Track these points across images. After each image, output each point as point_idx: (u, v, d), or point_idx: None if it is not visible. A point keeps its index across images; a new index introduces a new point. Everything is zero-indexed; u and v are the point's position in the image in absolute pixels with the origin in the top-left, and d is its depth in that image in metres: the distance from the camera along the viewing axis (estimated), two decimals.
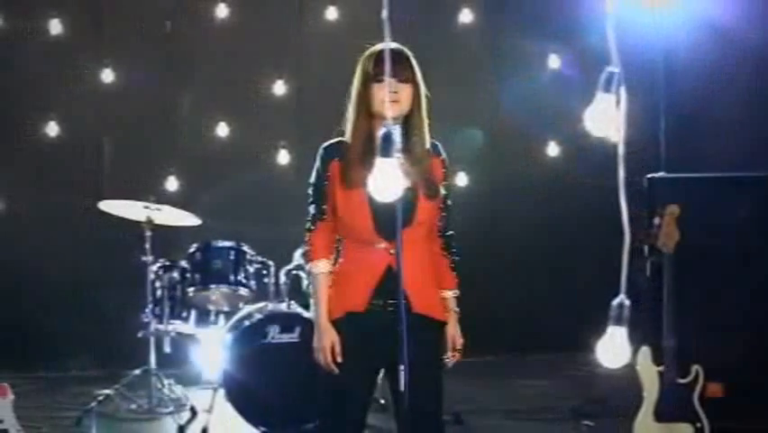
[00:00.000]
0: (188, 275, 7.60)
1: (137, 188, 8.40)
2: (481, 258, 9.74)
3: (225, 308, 7.68)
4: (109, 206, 7.78)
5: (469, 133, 9.60)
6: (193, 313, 7.73)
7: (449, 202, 4.50)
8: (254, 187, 9.13)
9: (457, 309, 4.55)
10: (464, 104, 9.91)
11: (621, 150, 2.41)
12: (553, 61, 9.79)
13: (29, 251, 9.13)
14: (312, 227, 4.41)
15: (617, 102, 2.43)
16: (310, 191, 4.42)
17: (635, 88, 9.60)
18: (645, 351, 6.17)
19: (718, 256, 6.67)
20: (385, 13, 2.54)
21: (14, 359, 9.07)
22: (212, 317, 7.74)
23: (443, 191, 4.43)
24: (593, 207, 9.63)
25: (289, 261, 7.36)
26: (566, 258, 9.83)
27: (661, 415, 6.07)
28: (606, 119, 2.43)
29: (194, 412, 7.57)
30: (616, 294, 7.60)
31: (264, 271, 7.55)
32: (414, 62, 4.34)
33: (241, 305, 7.56)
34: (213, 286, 7.53)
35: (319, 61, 9.45)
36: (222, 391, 7.04)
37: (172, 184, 9.27)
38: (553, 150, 9.93)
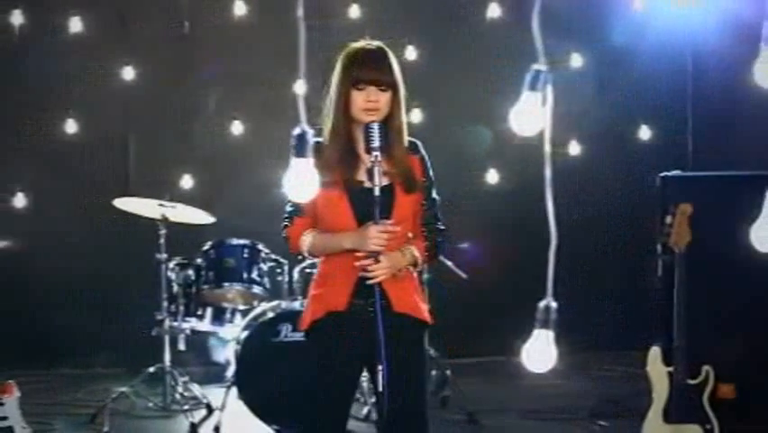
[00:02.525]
0: (203, 273, 7.59)
1: (156, 185, 8.40)
2: (508, 256, 9.72)
3: (240, 306, 7.67)
4: (124, 203, 7.78)
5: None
6: (209, 311, 7.71)
7: (434, 197, 4.45)
8: (272, 185, 9.09)
9: (413, 258, 4.33)
10: (491, 100, 9.86)
11: (547, 149, 2.35)
12: (576, 59, 9.72)
13: (50, 247, 9.18)
14: (288, 224, 4.40)
15: (543, 100, 2.37)
16: None
17: (664, 86, 9.52)
18: (656, 351, 6.11)
19: (731, 256, 6.57)
20: (300, 12, 2.48)
21: (38, 356, 9.16)
22: (228, 315, 7.72)
23: (424, 186, 4.38)
24: (616, 205, 9.61)
25: (303, 259, 7.32)
26: (590, 257, 9.76)
27: (670, 416, 6.00)
28: (531, 118, 2.37)
29: (210, 410, 7.59)
30: (640, 293, 7.45)
31: (278, 270, 7.53)
32: (394, 63, 4.28)
33: (255, 303, 7.56)
34: (226, 284, 7.52)
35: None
36: (234, 390, 7.04)
37: (190, 182, 9.28)
38: (574, 148, 9.86)
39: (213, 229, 8.01)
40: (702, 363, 6.03)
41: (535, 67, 2.41)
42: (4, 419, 5.85)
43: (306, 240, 4.33)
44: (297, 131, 2.47)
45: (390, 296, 4.20)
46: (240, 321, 7.55)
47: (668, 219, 6.19)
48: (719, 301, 6.52)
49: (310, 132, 2.49)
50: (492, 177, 9.79)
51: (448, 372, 7.72)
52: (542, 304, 2.34)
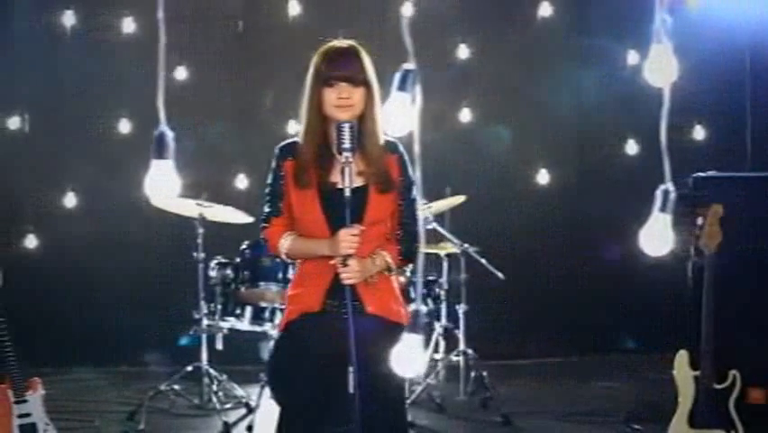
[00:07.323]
0: (240, 273, 7.59)
1: (209, 185, 8.40)
2: (559, 258, 9.63)
3: (279, 306, 7.65)
4: (162, 202, 7.79)
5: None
6: (248, 310, 7.69)
7: (413, 197, 4.37)
8: None
9: (385, 263, 4.28)
10: (543, 98, 9.76)
11: (416, 149, 2.30)
12: (633, 57, 9.57)
13: (104, 247, 9.30)
14: (266, 225, 4.40)
15: (413, 100, 2.32)
16: (266, 191, 4.40)
17: (721, 84, 9.32)
18: (683, 355, 5.99)
19: (762, 257, 6.42)
20: (160, 14, 2.46)
21: (94, 353, 9.28)
22: (267, 314, 7.70)
23: (401, 186, 4.32)
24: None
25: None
26: (636, 258, 9.60)
27: (695, 421, 5.89)
28: (400, 118, 2.33)
29: (249, 409, 7.59)
30: (679, 296, 7.29)
31: None
32: (366, 61, 4.25)
33: None
34: (262, 284, 7.48)
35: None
36: (268, 389, 7.03)
37: (244, 182, 9.33)
38: (631, 148, 9.72)
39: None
40: (730, 367, 5.90)
41: (405, 66, 2.35)
42: (27, 415, 5.81)
43: (285, 244, 4.33)
44: (156, 132, 2.45)
45: (363, 298, 4.18)
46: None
47: (699, 220, 6.06)
48: (750, 304, 6.37)
49: (170, 133, 2.47)
50: (543, 177, 9.69)
51: (484, 373, 7.65)
52: (411, 307, 2.28)
